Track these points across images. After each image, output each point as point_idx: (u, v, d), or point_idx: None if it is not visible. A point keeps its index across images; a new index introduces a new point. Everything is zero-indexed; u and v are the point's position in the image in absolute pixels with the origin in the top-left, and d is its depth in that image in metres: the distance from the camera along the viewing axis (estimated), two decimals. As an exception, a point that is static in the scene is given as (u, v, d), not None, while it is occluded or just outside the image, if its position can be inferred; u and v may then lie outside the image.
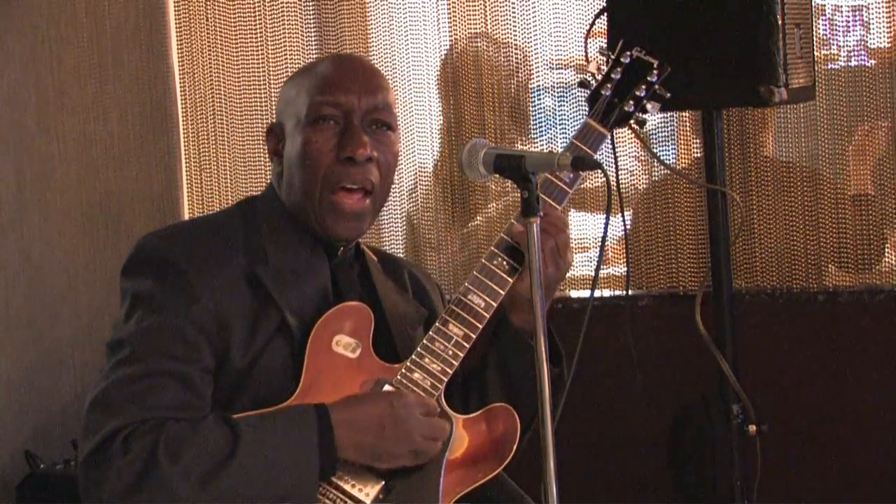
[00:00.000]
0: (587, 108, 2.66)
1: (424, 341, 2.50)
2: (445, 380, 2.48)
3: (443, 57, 4.04)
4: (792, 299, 3.75)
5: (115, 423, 2.37)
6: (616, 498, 3.79)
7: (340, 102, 2.54)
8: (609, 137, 2.64)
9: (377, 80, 2.61)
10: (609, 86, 2.64)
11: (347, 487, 2.42)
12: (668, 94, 2.66)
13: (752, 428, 3.38)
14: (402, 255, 4.09)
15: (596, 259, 4.02)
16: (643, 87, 2.64)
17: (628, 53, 2.66)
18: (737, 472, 3.38)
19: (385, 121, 2.58)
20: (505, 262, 2.53)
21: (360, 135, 2.53)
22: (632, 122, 2.66)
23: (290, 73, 4.08)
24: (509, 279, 2.53)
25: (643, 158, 3.90)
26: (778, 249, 3.79)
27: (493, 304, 2.52)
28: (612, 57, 2.66)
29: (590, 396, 3.63)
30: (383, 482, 2.43)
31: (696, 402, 3.52)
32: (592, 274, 2.57)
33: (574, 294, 3.97)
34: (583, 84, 2.67)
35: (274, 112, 2.71)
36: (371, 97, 2.56)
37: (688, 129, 3.87)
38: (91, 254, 3.87)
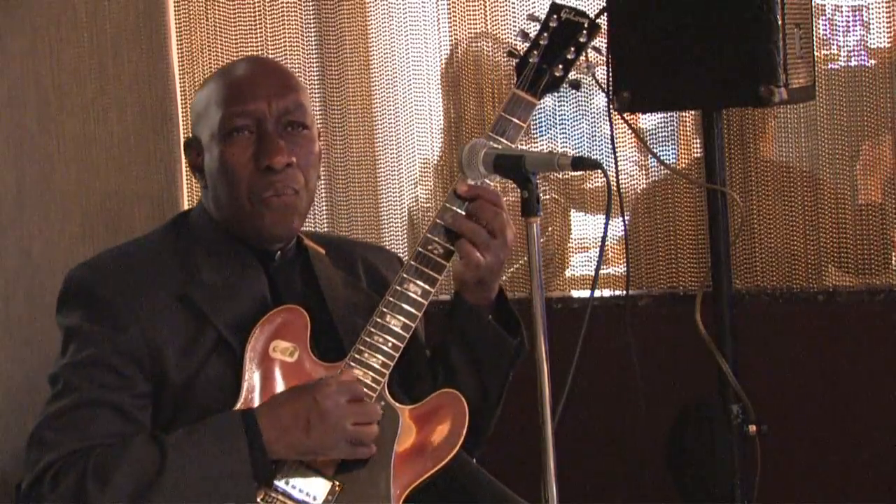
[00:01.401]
0: (516, 78, 2.59)
1: (363, 336, 2.47)
2: (387, 373, 2.46)
3: (446, 56, 4.04)
4: (792, 299, 3.75)
5: (48, 459, 2.39)
6: (616, 498, 3.79)
7: (250, 111, 2.50)
8: (538, 104, 2.57)
9: (286, 80, 2.58)
10: (536, 52, 2.57)
11: (294, 493, 2.40)
12: (602, 55, 2.61)
13: (752, 428, 3.38)
14: (404, 251, 4.09)
15: (596, 259, 4.04)
16: (573, 48, 2.57)
17: (555, 17, 2.59)
18: (737, 473, 3.38)
19: (299, 121, 2.54)
20: (439, 247, 2.51)
21: (275, 141, 2.50)
22: (564, 85, 2.59)
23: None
24: (445, 262, 2.51)
25: (642, 162, 3.90)
26: (778, 249, 3.79)
27: (431, 290, 2.50)
28: (541, 22, 2.60)
29: (590, 396, 3.62)
30: (331, 483, 2.42)
31: (696, 402, 3.51)
32: (592, 274, 2.57)
33: (574, 294, 3.97)
34: (511, 53, 2.61)
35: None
36: (281, 100, 2.52)
37: (688, 129, 3.87)
38: (91, 254, 3.85)
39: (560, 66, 2.57)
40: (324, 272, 2.63)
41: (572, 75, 2.60)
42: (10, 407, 3.52)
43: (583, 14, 2.60)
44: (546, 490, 2.26)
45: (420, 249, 2.52)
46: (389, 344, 2.47)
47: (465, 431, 2.49)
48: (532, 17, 2.62)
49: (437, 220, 2.53)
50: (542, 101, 2.58)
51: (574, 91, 2.65)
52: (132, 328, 2.45)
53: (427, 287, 2.50)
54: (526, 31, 2.61)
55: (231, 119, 2.50)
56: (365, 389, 2.45)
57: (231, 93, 2.52)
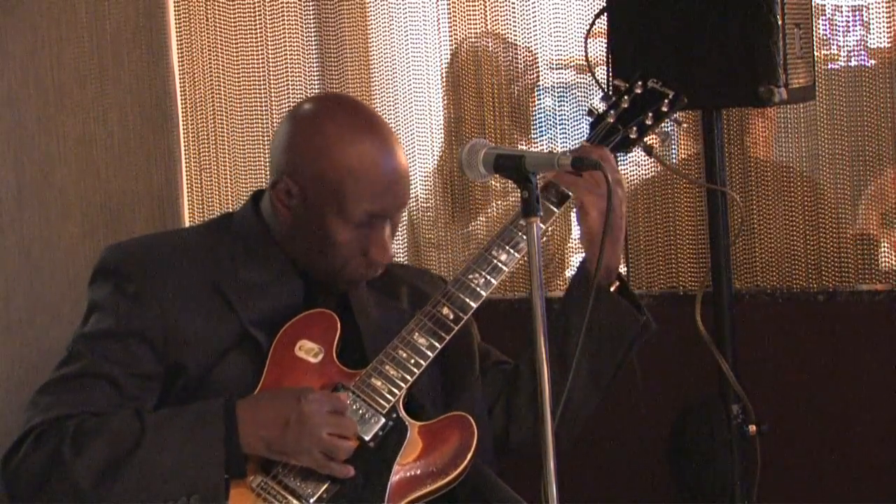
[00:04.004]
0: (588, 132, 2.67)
1: (388, 348, 2.51)
2: (405, 386, 2.49)
3: (450, 55, 4.03)
4: (792, 299, 3.75)
5: (35, 421, 2.44)
6: (616, 498, 3.79)
7: (380, 213, 2.52)
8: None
9: (408, 178, 2.60)
10: (614, 112, 2.64)
11: (292, 485, 2.42)
12: (681, 127, 2.67)
13: (752, 428, 3.37)
14: (404, 256, 4.09)
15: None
16: (651, 115, 2.64)
17: (641, 83, 2.66)
18: (737, 472, 3.38)
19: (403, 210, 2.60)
20: (481, 277, 2.55)
21: (387, 241, 2.54)
22: (636, 148, 2.65)
23: (289, 74, 4.11)
24: (483, 292, 2.55)
25: (642, 162, 3.89)
26: (778, 249, 3.79)
27: (463, 316, 2.54)
28: (626, 86, 2.66)
29: (590, 396, 3.62)
30: (329, 481, 2.43)
31: (697, 402, 3.51)
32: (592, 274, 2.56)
33: (574, 294, 3.96)
34: (590, 112, 2.67)
35: (273, 115, 2.69)
36: (404, 203, 2.58)
37: (687, 129, 3.87)
38: (91, 254, 3.86)
39: (635, 129, 2.63)
40: (356, 292, 2.65)
41: (649, 139, 2.66)
42: (10, 407, 3.52)
43: (670, 85, 2.66)
44: (546, 490, 2.26)
45: (461, 277, 2.56)
46: (412, 361, 2.50)
47: (470, 455, 2.51)
48: (619, 84, 2.68)
49: (485, 253, 2.57)
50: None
51: (646, 155, 2.70)
52: (153, 309, 2.49)
53: (460, 313, 2.54)
54: (610, 94, 2.68)
55: (361, 215, 2.51)
56: (379, 399, 2.47)
57: (376, 192, 2.51)
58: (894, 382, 3.64)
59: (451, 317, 2.53)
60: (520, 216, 2.50)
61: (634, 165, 3.90)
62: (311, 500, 2.42)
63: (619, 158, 3.05)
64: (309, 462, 2.41)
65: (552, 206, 2.56)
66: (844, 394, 3.67)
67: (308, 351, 2.51)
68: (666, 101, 2.65)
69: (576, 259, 4.07)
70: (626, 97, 2.65)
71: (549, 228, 3.98)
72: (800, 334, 3.72)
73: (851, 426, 3.67)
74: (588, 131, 2.67)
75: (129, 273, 2.52)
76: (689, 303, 3.43)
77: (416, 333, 2.52)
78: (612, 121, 2.64)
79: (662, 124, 2.67)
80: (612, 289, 2.61)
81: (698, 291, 3.43)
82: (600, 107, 2.66)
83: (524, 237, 2.55)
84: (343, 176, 2.50)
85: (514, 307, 3.77)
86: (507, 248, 2.57)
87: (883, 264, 3.75)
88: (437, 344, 2.51)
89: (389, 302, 2.69)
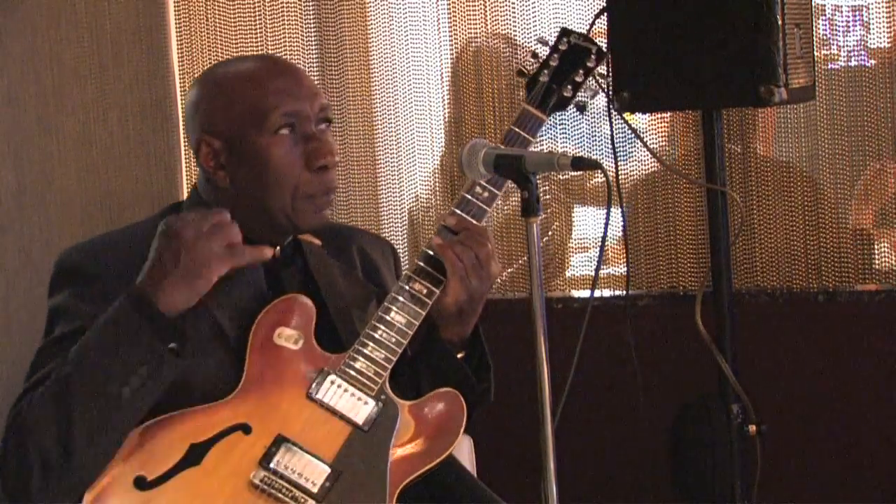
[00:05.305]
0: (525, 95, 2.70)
1: (367, 330, 2.51)
2: (389, 366, 2.50)
3: (456, 54, 4.03)
4: (792, 299, 3.75)
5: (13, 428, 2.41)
6: (616, 498, 3.79)
7: (298, 111, 2.51)
8: (546, 122, 2.67)
9: (311, 79, 2.61)
10: (546, 72, 2.67)
11: (293, 477, 2.42)
12: (607, 81, 2.71)
13: (752, 428, 3.38)
14: (404, 257, 4.09)
15: (596, 259, 4.03)
16: (581, 72, 2.68)
17: (566, 40, 2.69)
18: (737, 472, 3.38)
19: (330, 118, 2.58)
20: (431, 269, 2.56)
21: (325, 140, 2.53)
22: (571, 106, 2.69)
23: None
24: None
25: (642, 162, 3.90)
26: (778, 249, 3.79)
27: (436, 290, 2.54)
28: (551, 45, 2.70)
29: (590, 396, 3.63)
30: (329, 470, 2.43)
31: (696, 402, 3.52)
32: (592, 274, 2.58)
33: (574, 294, 3.97)
34: (521, 73, 2.70)
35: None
36: (318, 98, 2.55)
37: (687, 128, 3.87)
38: (91, 254, 3.87)
39: (569, 87, 2.69)
40: (319, 266, 2.64)
41: (579, 97, 2.71)
42: (10, 407, 3.53)
43: (591, 41, 2.71)
44: (546, 490, 2.26)
45: (427, 251, 2.56)
46: (393, 340, 2.51)
47: (462, 430, 2.52)
48: (542, 41, 2.72)
49: (443, 224, 2.57)
50: (549, 117, 2.67)
51: (579, 113, 2.73)
52: None
53: (432, 287, 2.54)
54: (536, 52, 2.71)
55: (279, 118, 2.50)
56: (366, 382, 2.48)
57: (275, 92, 2.51)
58: (894, 382, 3.65)
59: (425, 292, 2.54)
60: (475, 185, 2.58)
61: (635, 164, 3.90)
62: (315, 490, 2.42)
63: (619, 157, 3.07)
64: (227, 265, 2.39)
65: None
66: (844, 394, 3.68)
67: (288, 338, 2.51)
68: (592, 55, 2.69)
69: (576, 259, 4.07)
70: (554, 55, 2.69)
71: (549, 231, 3.99)
72: (800, 334, 3.72)
73: (851, 426, 3.68)
74: (526, 94, 2.69)
75: (90, 273, 2.49)
76: (689, 303, 3.43)
77: (393, 311, 2.52)
78: (545, 80, 2.67)
79: (590, 80, 2.71)
80: (459, 356, 2.62)
81: (698, 291, 3.43)
82: (531, 67, 2.69)
83: (482, 205, 2.58)
84: (244, 91, 2.51)
85: (514, 307, 3.77)
86: (466, 217, 2.58)
87: (883, 264, 3.75)
88: (414, 321, 2.52)
89: (352, 272, 2.69)
